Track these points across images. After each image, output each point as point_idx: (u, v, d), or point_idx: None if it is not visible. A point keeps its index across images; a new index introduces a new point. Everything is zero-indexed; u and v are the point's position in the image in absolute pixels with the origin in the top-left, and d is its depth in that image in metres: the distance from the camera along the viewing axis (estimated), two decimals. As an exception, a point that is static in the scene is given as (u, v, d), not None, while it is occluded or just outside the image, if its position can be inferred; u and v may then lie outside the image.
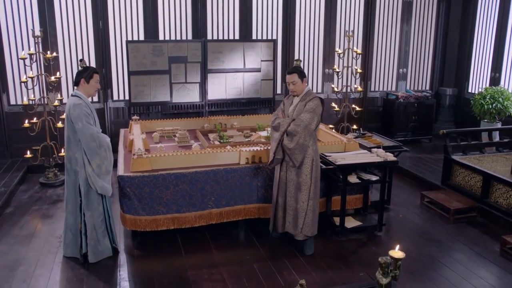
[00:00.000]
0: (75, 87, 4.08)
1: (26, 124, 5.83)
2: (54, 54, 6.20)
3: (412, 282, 3.88)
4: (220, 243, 4.55)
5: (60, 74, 6.45)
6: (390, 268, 2.50)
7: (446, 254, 4.38)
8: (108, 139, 4.12)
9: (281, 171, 4.28)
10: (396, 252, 2.47)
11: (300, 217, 4.21)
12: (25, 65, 5.99)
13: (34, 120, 5.92)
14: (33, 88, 5.88)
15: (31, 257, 4.22)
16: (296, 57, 7.80)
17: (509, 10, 7.48)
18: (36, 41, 5.85)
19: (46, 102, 6.03)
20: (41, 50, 5.92)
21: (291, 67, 4.29)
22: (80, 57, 6.87)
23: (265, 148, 4.74)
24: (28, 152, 6.01)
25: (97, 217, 4.07)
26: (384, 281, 2.49)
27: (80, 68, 4.11)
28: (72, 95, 4.06)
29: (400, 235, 4.80)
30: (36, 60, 5.84)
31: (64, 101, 6.64)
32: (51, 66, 6.35)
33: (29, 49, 5.97)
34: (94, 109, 4.14)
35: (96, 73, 4.08)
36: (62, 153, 6.05)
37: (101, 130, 4.19)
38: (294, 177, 4.19)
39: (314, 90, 8.09)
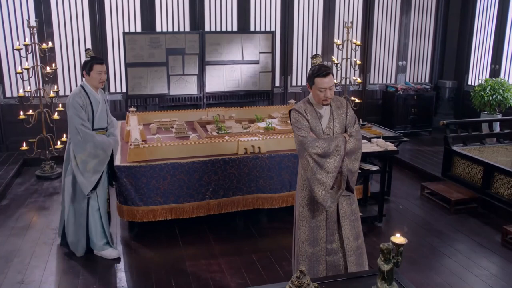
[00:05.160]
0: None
1: (22, 116, 5.76)
2: (50, 45, 6.12)
3: (414, 271, 3.83)
4: (219, 234, 4.49)
5: (56, 66, 6.38)
6: (392, 255, 2.44)
7: (448, 244, 4.33)
8: (107, 139, 3.95)
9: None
10: (398, 238, 2.41)
11: (364, 252, 3.34)
12: (20, 56, 5.91)
13: (30, 112, 5.85)
14: (28, 80, 5.80)
15: (27, 249, 4.16)
16: (294, 49, 7.74)
17: (509, 1, 7.42)
18: (31, 31, 5.77)
19: (42, 94, 5.96)
20: (36, 41, 5.84)
21: (321, 66, 3.03)
22: (76, 48, 6.81)
23: (264, 138, 4.68)
24: (24, 145, 5.93)
25: (78, 211, 3.96)
26: (385, 267, 2.43)
27: (86, 57, 3.96)
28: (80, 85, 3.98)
29: (401, 225, 4.75)
30: (31, 51, 5.76)
31: (60, 93, 6.60)
32: (47, 57, 6.27)
33: (25, 40, 5.89)
34: (103, 102, 3.97)
35: (98, 64, 3.86)
36: (59, 145, 6.00)
37: (105, 126, 4.01)
38: (347, 208, 3.19)
39: (313, 83, 8.01)
